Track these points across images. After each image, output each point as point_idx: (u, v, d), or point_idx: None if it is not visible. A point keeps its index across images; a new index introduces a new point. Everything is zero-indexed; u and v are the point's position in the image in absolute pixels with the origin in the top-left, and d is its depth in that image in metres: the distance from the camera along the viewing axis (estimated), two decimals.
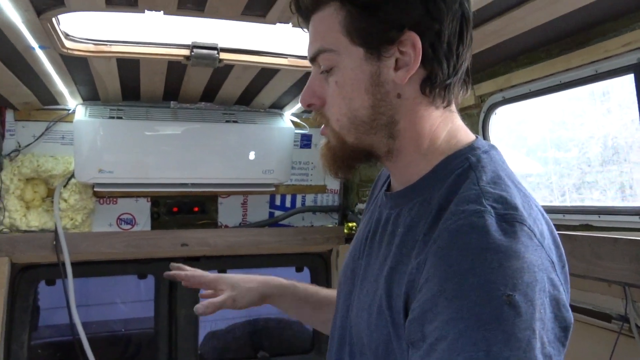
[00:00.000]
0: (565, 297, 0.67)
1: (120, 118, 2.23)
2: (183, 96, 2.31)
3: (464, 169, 0.76)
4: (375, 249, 0.85)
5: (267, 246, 2.60)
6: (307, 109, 0.86)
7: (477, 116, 1.80)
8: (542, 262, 0.65)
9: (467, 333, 0.60)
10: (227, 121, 2.35)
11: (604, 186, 1.86)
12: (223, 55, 1.80)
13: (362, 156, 0.83)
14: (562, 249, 0.74)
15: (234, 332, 3.03)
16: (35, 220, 2.30)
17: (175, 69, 1.91)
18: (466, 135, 0.83)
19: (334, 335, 0.95)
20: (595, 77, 1.36)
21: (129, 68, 1.87)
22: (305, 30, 0.84)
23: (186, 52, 1.77)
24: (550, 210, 1.62)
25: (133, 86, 2.12)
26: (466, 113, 1.87)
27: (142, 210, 2.52)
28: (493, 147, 0.82)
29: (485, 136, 1.80)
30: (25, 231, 2.29)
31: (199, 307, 1.12)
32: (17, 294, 2.34)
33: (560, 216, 1.56)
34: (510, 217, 0.67)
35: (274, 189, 2.52)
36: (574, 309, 1.57)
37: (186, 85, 2.14)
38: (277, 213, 2.71)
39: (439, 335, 0.62)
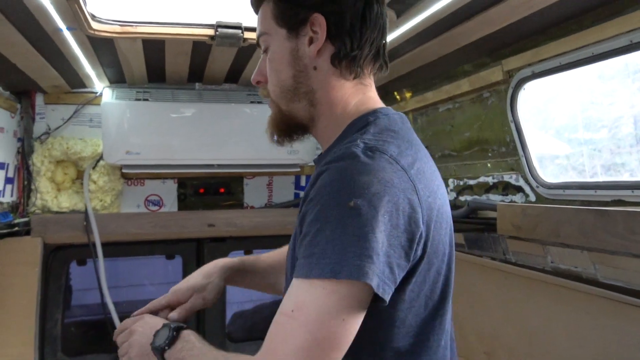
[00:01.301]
0: (420, 217, 0.80)
1: (147, 100, 2.25)
2: (208, 77, 2.32)
3: (360, 127, 0.91)
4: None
5: (293, 226, 2.60)
6: (256, 85, 1.01)
7: (505, 92, 1.77)
8: (399, 182, 0.79)
9: (320, 231, 0.76)
10: (251, 102, 2.36)
11: (634, 167, 1.81)
12: (247, 35, 1.79)
13: (295, 124, 0.98)
14: (438, 202, 0.87)
15: (260, 312, 3.06)
16: (66, 201, 2.35)
17: (200, 50, 1.92)
18: (374, 103, 0.97)
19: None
20: (630, 47, 1.31)
21: (155, 49, 1.88)
22: None
23: (211, 31, 1.77)
24: (580, 186, 1.59)
25: (158, 68, 2.14)
26: (494, 89, 1.83)
27: (169, 192, 2.55)
28: (399, 113, 0.96)
29: (513, 113, 1.76)
30: (57, 212, 2.34)
31: (172, 314, 1.18)
32: (50, 273, 2.40)
33: (591, 192, 1.53)
34: (373, 148, 0.82)
35: (299, 169, 2.53)
36: (605, 286, 1.55)
37: (211, 66, 2.14)
38: (303, 193, 2.71)
39: (306, 232, 0.79)
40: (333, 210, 0.76)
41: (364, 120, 0.92)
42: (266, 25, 0.96)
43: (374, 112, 0.93)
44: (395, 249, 0.77)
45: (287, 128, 1.00)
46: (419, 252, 0.82)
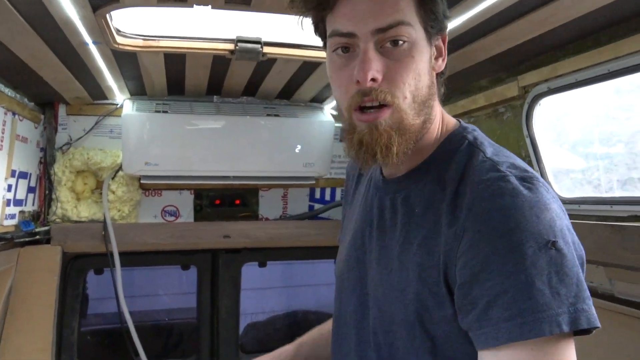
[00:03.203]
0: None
1: (166, 112, 2.29)
2: (226, 91, 2.36)
3: (465, 146, 0.84)
4: (389, 232, 0.90)
5: (307, 239, 2.63)
6: (370, 85, 0.79)
7: (520, 107, 1.78)
8: (561, 210, 0.75)
9: (528, 283, 0.67)
10: (268, 115, 2.39)
11: None
12: (266, 49, 1.83)
13: (412, 141, 0.83)
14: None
15: (273, 323, 3.08)
16: (85, 211, 2.39)
17: (219, 63, 1.95)
18: (449, 119, 0.92)
19: (344, 322, 0.98)
20: None
21: (176, 62, 1.93)
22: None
23: (231, 46, 1.81)
24: (597, 201, 1.60)
25: (178, 81, 2.18)
26: (509, 104, 1.85)
27: (185, 203, 2.58)
28: (475, 127, 0.91)
29: (529, 128, 1.77)
30: (76, 221, 2.38)
31: None
32: (68, 282, 2.44)
33: (607, 207, 1.53)
34: (527, 177, 0.75)
35: (314, 182, 2.55)
36: (622, 301, 1.54)
37: (229, 79, 2.19)
38: (317, 206, 2.74)
39: (500, 290, 0.68)
40: (535, 258, 0.68)
41: (460, 138, 0.87)
42: (408, 15, 0.80)
43: (464, 129, 0.89)
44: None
45: (407, 145, 0.83)
46: None
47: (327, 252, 2.80)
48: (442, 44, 0.88)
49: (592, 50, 1.45)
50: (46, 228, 2.29)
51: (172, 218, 2.57)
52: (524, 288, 0.67)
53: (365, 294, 0.93)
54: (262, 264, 2.77)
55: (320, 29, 0.89)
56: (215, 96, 2.42)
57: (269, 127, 2.38)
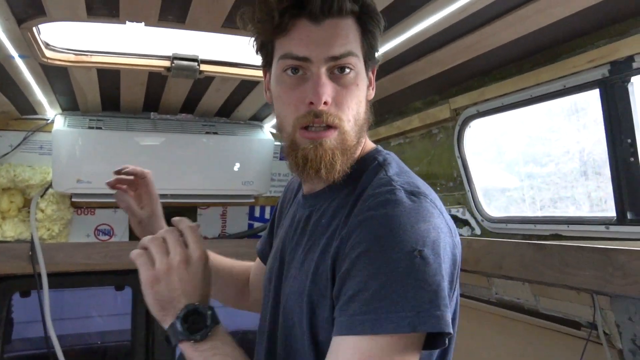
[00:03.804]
0: (458, 260, 0.83)
1: (100, 128, 2.22)
2: (163, 107, 2.32)
3: (374, 166, 0.91)
4: (298, 242, 0.97)
5: (247, 257, 2.59)
6: (322, 108, 0.85)
7: (452, 129, 1.85)
8: (444, 226, 0.80)
9: (387, 284, 0.73)
10: (207, 132, 2.37)
11: (579, 200, 1.90)
12: (203, 67, 1.82)
13: (351, 160, 0.91)
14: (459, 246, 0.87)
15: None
16: (10, 230, 2.27)
17: (155, 80, 1.92)
18: (369, 143, 0.99)
19: (261, 332, 1.03)
20: (563, 92, 1.41)
21: (110, 78, 1.88)
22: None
23: (167, 63, 1.79)
24: (522, 220, 1.67)
25: (113, 96, 2.13)
26: (442, 126, 1.91)
27: (120, 221, 2.50)
28: (391, 152, 0.98)
29: (460, 149, 1.84)
30: (1, 242, 2.26)
31: (110, 181, 1.27)
32: None
33: (531, 226, 1.61)
34: (416, 192, 0.82)
35: (253, 200, 2.54)
36: (546, 317, 1.61)
37: (167, 96, 2.15)
38: (257, 224, 2.72)
39: (362, 287, 0.75)
40: (399, 262, 0.73)
41: (372, 159, 0.94)
42: (355, 47, 0.88)
43: (377, 152, 0.96)
44: (449, 295, 0.78)
45: (345, 164, 0.90)
46: (454, 295, 0.84)
47: None
48: (372, 75, 0.96)
49: (516, 76, 1.53)
50: None
51: (106, 237, 2.49)
52: (382, 288, 0.73)
53: (278, 304, 0.98)
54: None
55: (267, 49, 0.94)
56: (152, 113, 2.37)
57: (207, 145, 2.35)
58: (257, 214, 2.72)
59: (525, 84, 1.50)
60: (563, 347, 1.60)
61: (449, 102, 1.81)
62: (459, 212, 1.90)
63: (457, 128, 1.82)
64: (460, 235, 1.91)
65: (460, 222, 1.91)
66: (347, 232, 0.82)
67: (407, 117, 2.06)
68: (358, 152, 0.94)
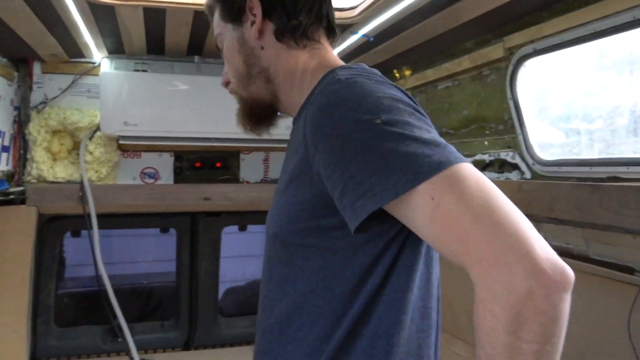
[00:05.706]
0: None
1: (145, 71, 2.24)
2: (207, 50, 2.31)
3: (325, 77, 0.88)
4: (283, 171, 0.97)
5: None
6: (226, 87, 1.05)
7: (505, 69, 1.78)
8: (401, 96, 0.78)
9: (368, 161, 0.70)
10: None
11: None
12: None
13: (260, 107, 1.01)
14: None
15: (252, 288, 3.08)
16: (61, 171, 2.34)
17: (200, 21, 1.90)
18: (335, 62, 0.96)
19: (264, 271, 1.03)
20: (633, 24, 1.32)
21: (155, 18, 1.87)
22: None
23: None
24: (577, 163, 1.61)
25: (158, 38, 2.12)
26: (494, 67, 1.84)
27: (165, 165, 2.55)
28: (361, 64, 0.91)
29: (512, 90, 1.78)
30: (52, 182, 2.34)
31: None
32: (44, 243, 2.40)
33: (587, 169, 1.55)
34: (358, 75, 0.81)
35: None
36: (596, 262, 1.57)
37: (211, 38, 2.13)
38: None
39: (347, 177, 0.71)
40: (365, 135, 0.71)
41: (331, 75, 0.88)
42: (218, 27, 1.02)
43: (340, 67, 0.91)
44: (431, 130, 0.75)
45: (255, 114, 1.03)
46: None
47: None
48: (251, 13, 0.95)
49: (578, 9, 1.45)
50: (21, 188, 2.24)
51: (152, 180, 2.54)
52: (365, 168, 0.70)
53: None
54: (242, 228, 2.77)
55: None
56: (196, 56, 2.36)
57: None
58: None
59: (590, 17, 1.41)
60: (614, 294, 1.56)
61: (503, 41, 1.73)
62: (508, 155, 1.85)
63: (510, 68, 1.75)
64: (509, 179, 1.87)
65: (509, 166, 1.86)
66: (304, 136, 0.80)
67: (456, 59, 1.99)
68: (290, 81, 0.96)
